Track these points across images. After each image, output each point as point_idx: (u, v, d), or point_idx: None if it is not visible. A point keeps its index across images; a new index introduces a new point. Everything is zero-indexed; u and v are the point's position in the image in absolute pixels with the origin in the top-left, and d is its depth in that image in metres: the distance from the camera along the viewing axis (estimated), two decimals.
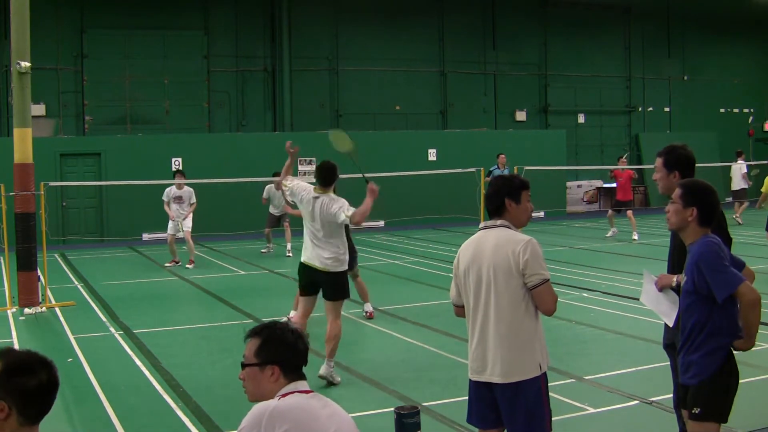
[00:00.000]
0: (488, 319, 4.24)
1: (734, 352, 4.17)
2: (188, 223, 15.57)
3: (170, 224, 15.62)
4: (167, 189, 15.77)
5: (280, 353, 3.10)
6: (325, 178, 7.54)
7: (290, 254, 16.64)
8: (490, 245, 4.26)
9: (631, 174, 19.50)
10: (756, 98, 30.99)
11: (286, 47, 23.86)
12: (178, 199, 15.62)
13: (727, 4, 29.13)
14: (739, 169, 23.15)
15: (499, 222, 4.31)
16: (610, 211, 19.67)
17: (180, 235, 15.62)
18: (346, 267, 7.65)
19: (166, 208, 15.63)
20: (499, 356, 4.18)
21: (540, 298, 4.17)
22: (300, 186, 7.72)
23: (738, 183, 23.01)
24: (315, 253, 7.49)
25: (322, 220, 7.46)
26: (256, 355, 3.11)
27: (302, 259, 7.66)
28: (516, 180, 4.39)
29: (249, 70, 24.05)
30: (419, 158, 22.96)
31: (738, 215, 21.29)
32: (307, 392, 3.10)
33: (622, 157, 20.10)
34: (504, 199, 4.30)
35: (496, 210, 4.34)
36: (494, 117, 27.07)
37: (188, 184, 15.94)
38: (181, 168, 17.97)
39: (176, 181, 15.71)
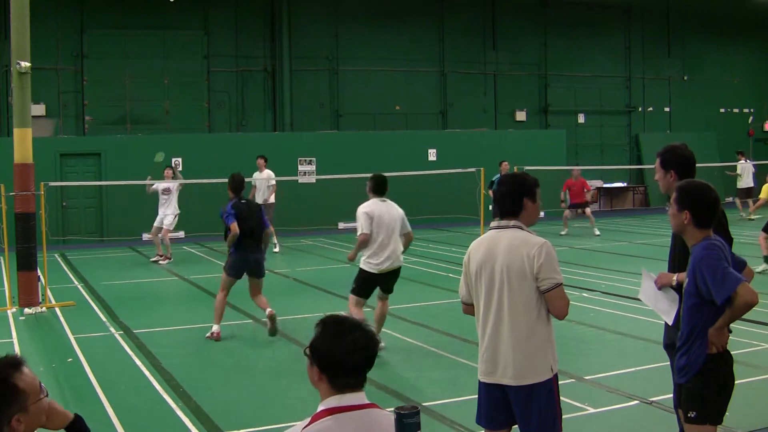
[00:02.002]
0: (501, 320, 4.23)
1: (731, 354, 4.17)
2: (169, 220, 16.23)
3: (158, 218, 16.29)
4: (156, 183, 16.49)
5: (324, 360, 2.71)
6: (385, 186, 8.69)
7: (278, 250, 17.40)
8: (503, 246, 4.23)
9: (584, 182, 20.65)
10: (756, 98, 30.99)
11: (286, 47, 23.86)
12: (166, 191, 16.27)
13: (727, 4, 29.13)
14: (749, 167, 23.30)
15: (512, 222, 4.28)
16: (566, 212, 20.35)
17: (165, 223, 16.26)
18: None
19: (149, 189, 16.36)
20: (512, 358, 4.18)
21: (552, 301, 4.16)
22: (373, 216, 8.41)
23: (747, 181, 23.22)
24: (395, 253, 8.51)
25: (396, 218, 8.50)
26: (309, 346, 2.75)
27: (380, 269, 8.46)
28: (530, 178, 4.37)
29: (249, 70, 24.05)
30: (419, 158, 22.95)
31: (751, 213, 21.58)
32: (351, 408, 2.70)
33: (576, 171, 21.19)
34: (523, 199, 4.28)
35: (512, 210, 4.29)
36: (494, 117, 27.06)
37: (188, 185, 16.32)
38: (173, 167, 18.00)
39: (165, 177, 16.42)
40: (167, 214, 16.20)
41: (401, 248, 8.61)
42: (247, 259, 9.46)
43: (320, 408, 2.71)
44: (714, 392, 4.08)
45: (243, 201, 9.69)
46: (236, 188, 9.75)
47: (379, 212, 8.39)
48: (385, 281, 8.60)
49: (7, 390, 2.52)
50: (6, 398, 2.52)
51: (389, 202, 8.58)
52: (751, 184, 23.33)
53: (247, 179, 18.18)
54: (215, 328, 9.48)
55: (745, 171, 23.55)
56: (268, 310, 9.33)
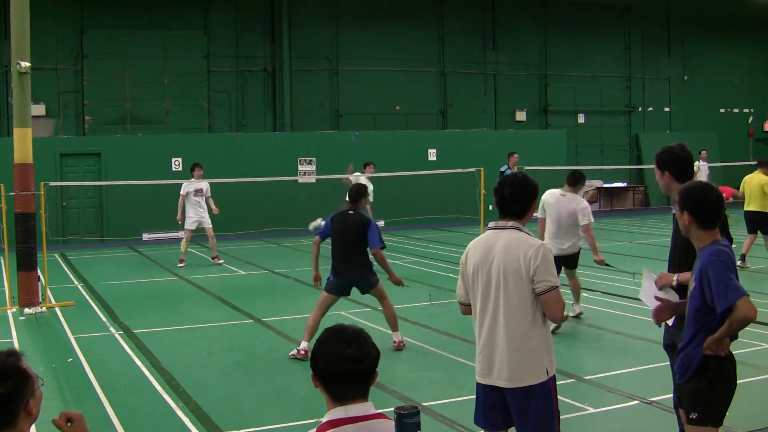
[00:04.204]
0: (497, 322, 4.22)
1: (734, 355, 4.16)
2: (209, 221, 15.77)
3: (189, 221, 15.63)
4: (185, 182, 15.85)
5: (318, 370, 2.73)
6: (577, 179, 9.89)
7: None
8: (500, 246, 4.21)
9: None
10: (756, 98, 30.98)
11: (286, 47, 23.86)
12: (199, 192, 15.71)
13: (727, 4, 29.14)
14: (705, 169, 23.20)
15: (510, 223, 4.27)
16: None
17: (206, 223, 15.68)
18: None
19: (181, 202, 15.65)
20: (507, 361, 4.17)
21: (547, 304, 4.15)
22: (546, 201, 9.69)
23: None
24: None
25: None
26: (311, 355, 2.78)
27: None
28: (534, 180, 4.38)
29: (249, 70, 24.05)
30: (419, 158, 22.95)
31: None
32: (354, 420, 2.66)
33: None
34: (533, 202, 4.30)
35: (519, 212, 4.28)
36: (494, 117, 27.06)
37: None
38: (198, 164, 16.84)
39: (195, 176, 15.77)
40: (205, 216, 15.70)
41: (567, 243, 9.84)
42: (341, 283, 8.55)
43: (324, 420, 2.70)
44: (717, 394, 4.07)
45: (350, 212, 8.59)
46: (350, 197, 8.79)
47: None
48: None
49: (20, 374, 2.60)
50: (21, 383, 2.59)
51: (572, 196, 9.90)
52: None
53: (247, 179, 18.36)
54: (302, 344, 8.43)
55: (701, 171, 23.43)
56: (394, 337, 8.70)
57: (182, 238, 16.05)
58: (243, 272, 15.15)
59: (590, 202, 26.80)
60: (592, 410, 6.58)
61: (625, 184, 28.41)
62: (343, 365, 2.67)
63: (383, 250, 8.53)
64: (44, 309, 11.29)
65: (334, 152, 21.92)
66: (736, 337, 4.17)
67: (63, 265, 16.29)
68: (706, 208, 4.07)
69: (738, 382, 4.17)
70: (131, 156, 20.35)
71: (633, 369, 7.81)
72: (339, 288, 8.63)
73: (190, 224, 15.72)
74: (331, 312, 9.07)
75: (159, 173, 19.64)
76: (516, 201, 4.28)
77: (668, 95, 29.97)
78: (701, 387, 4.06)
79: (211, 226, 15.82)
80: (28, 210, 11.39)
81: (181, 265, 15.67)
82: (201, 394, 7.20)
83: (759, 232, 13.86)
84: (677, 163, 4.87)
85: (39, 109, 20.86)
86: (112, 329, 10.10)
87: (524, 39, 27.41)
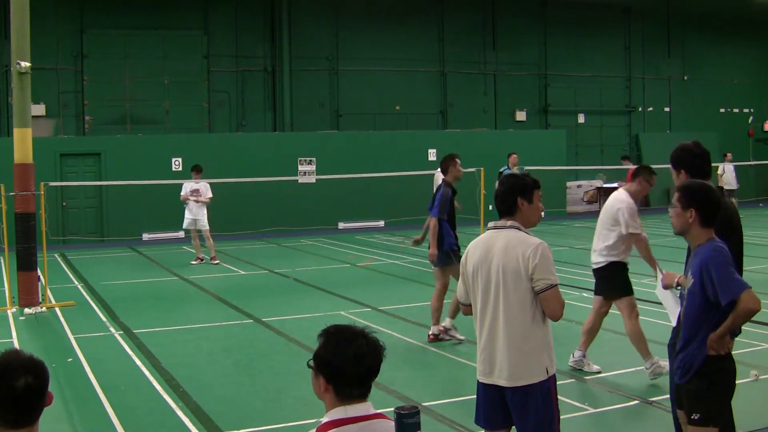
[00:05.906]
0: (497, 321, 4.23)
1: (732, 355, 4.16)
2: (205, 223, 15.82)
3: (185, 221, 15.84)
4: (185, 183, 16.07)
5: (330, 371, 2.71)
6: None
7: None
8: (499, 246, 4.22)
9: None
10: (756, 98, 30.99)
11: (286, 47, 23.87)
12: (195, 192, 15.86)
13: (727, 4, 29.15)
14: (732, 169, 23.44)
15: (509, 223, 4.28)
16: None
17: (202, 225, 15.79)
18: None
19: (183, 196, 15.93)
20: (507, 360, 4.17)
21: (547, 302, 4.15)
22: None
23: (732, 183, 23.39)
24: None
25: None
26: (314, 358, 2.75)
27: None
28: (528, 179, 4.35)
29: (249, 70, 24.06)
30: (419, 158, 22.94)
31: None
32: (356, 420, 2.68)
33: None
34: (517, 198, 4.27)
35: (507, 209, 4.29)
36: (494, 117, 27.07)
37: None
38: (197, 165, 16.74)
39: (193, 177, 15.91)
40: (200, 216, 15.77)
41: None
42: None
43: (325, 420, 2.70)
44: (718, 394, 4.08)
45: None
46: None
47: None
48: None
49: (46, 369, 2.62)
50: (47, 377, 2.62)
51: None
52: (734, 186, 23.43)
53: (247, 179, 18.34)
54: (446, 322, 8.93)
55: (727, 173, 23.68)
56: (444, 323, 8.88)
57: (182, 238, 16.13)
58: (243, 272, 15.15)
59: (590, 202, 26.85)
60: (592, 410, 6.58)
61: None
62: (365, 362, 2.68)
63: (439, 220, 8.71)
64: (44, 309, 11.28)
65: (334, 152, 21.92)
66: (740, 332, 4.17)
67: (63, 265, 16.29)
68: (710, 205, 4.12)
69: (738, 382, 4.18)
70: (131, 156, 20.35)
71: (633, 369, 7.80)
72: None
73: (186, 224, 15.96)
74: (331, 312, 9.09)
75: (159, 173, 19.64)
76: (503, 200, 4.31)
77: (668, 95, 29.98)
78: (702, 387, 4.06)
79: (207, 228, 15.88)
80: (28, 210, 11.38)
81: (194, 262, 15.88)
82: (201, 394, 7.20)
83: None
84: (689, 161, 4.84)
85: (39, 109, 20.86)
86: (112, 329, 10.10)
87: (524, 39, 27.42)
